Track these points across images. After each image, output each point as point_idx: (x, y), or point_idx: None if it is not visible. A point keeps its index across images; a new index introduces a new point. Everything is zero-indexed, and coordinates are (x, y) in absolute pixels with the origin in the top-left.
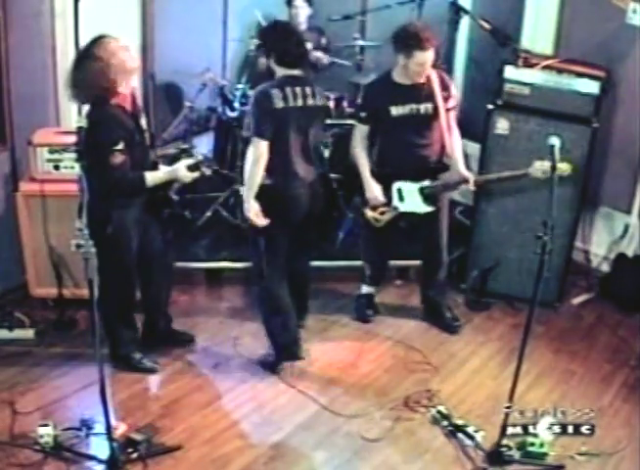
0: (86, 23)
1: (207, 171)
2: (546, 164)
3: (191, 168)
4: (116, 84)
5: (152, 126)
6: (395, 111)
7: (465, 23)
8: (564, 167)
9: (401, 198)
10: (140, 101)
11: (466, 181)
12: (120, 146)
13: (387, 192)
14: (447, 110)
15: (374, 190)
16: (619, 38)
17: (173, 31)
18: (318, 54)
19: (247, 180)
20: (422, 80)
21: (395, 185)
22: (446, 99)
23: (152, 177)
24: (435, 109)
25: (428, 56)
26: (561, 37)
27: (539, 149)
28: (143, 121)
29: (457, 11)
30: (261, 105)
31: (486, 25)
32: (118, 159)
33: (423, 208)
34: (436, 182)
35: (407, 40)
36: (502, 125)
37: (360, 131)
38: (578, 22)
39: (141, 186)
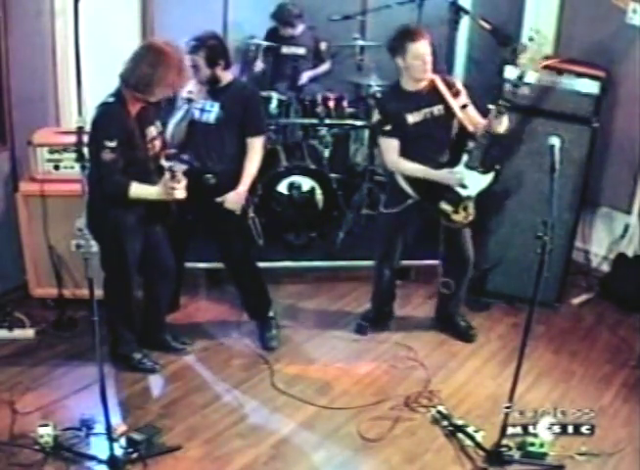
0: (86, 22)
1: (181, 168)
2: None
3: (172, 177)
4: (152, 93)
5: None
6: (412, 118)
7: (465, 23)
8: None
9: (464, 186)
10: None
11: (487, 129)
12: (113, 144)
13: (450, 191)
14: (463, 107)
15: (449, 174)
16: (619, 38)
17: (173, 31)
18: None
19: None
20: (428, 77)
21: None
22: (456, 95)
23: (138, 190)
24: (448, 109)
25: (422, 46)
26: (561, 37)
27: (539, 149)
28: (152, 129)
29: (457, 11)
30: None
31: (486, 25)
32: (108, 156)
33: (485, 179)
34: (474, 149)
35: (398, 38)
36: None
37: (391, 146)
38: (578, 22)
39: (123, 193)
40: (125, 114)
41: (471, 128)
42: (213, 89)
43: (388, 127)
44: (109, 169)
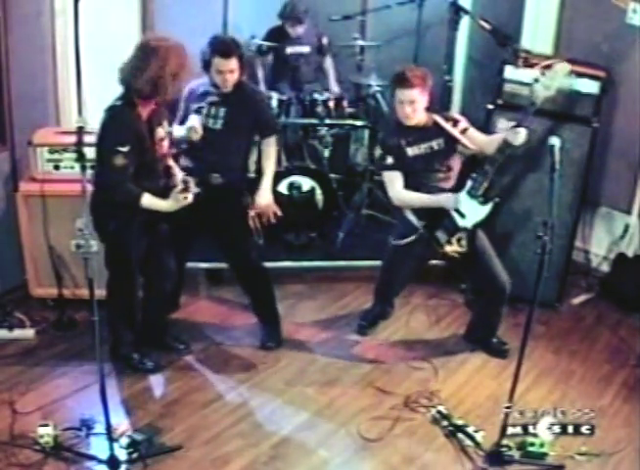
0: (86, 22)
1: (195, 189)
2: (545, 81)
3: (184, 189)
4: (164, 92)
5: None
6: (412, 151)
7: (465, 23)
8: (563, 68)
9: (462, 215)
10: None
11: (507, 140)
12: (125, 149)
13: (449, 220)
14: (464, 131)
15: (447, 198)
16: (619, 38)
17: (173, 31)
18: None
19: None
20: (412, 122)
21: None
22: (455, 124)
23: (149, 202)
24: (448, 141)
25: (408, 94)
26: (561, 37)
27: (539, 149)
28: (161, 130)
29: (457, 11)
30: None
31: (486, 25)
32: (120, 161)
33: (483, 211)
34: (477, 177)
35: (393, 79)
36: (502, 125)
37: (395, 179)
38: (578, 22)
39: (134, 202)
40: (136, 117)
41: (473, 147)
42: (221, 94)
43: (389, 161)
44: (121, 175)
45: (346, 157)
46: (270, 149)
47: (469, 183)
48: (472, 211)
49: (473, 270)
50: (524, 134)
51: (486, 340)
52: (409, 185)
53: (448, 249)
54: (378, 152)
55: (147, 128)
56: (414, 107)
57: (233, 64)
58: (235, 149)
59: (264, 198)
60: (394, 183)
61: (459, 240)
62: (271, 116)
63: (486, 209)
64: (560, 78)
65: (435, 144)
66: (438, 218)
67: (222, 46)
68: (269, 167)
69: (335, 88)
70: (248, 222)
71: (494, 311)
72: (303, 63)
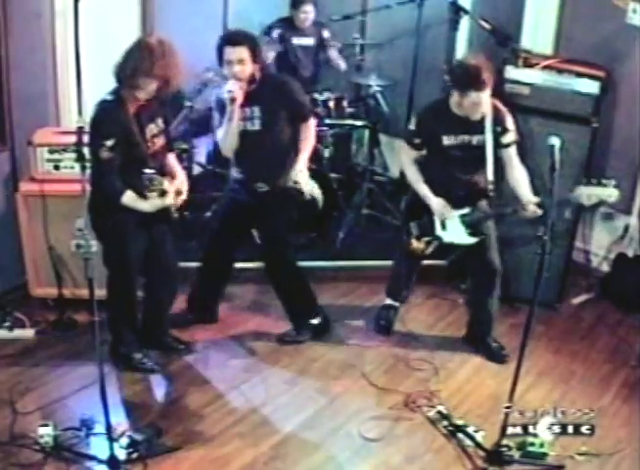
0: (86, 22)
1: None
2: (592, 191)
3: (151, 189)
4: (136, 85)
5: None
6: (447, 140)
7: (465, 23)
8: (612, 194)
9: (444, 227)
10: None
11: (523, 208)
12: (110, 142)
13: (429, 221)
14: (506, 145)
15: (440, 202)
16: (619, 38)
17: (173, 31)
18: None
19: None
20: (477, 117)
21: None
22: (502, 133)
23: (129, 200)
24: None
25: (483, 96)
26: (561, 37)
27: (539, 149)
28: (153, 127)
29: (457, 11)
30: None
31: (486, 25)
32: (105, 154)
33: (465, 238)
34: (477, 210)
35: (464, 78)
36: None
37: (410, 155)
38: (578, 21)
39: (115, 198)
40: (124, 111)
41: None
42: (249, 91)
43: (416, 141)
44: (106, 168)
45: (347, 157)
46: (307, 131)
47: (467, 209)
48: (455, 231)
49: (470, 248)
50: (535, 213)
51: (484, 339)
52: (438, 166)
53: (415, 244)
54: (411, 126)
55: (135, 123)
56: (482, 105)
57: (242, 53)
58: (278, 148)
59: (303, 181)
60: (406, 154)
61: (428, 242)
62: (303, 100)
63: (470, 240)
64: (604, 196)
65: (475, 140)
66: (422, 212)
67: (230, 34)
68: (305, 148)
69: (342, 65)
70: (287, 222)
71: (485, 298)
72: (304, 56)
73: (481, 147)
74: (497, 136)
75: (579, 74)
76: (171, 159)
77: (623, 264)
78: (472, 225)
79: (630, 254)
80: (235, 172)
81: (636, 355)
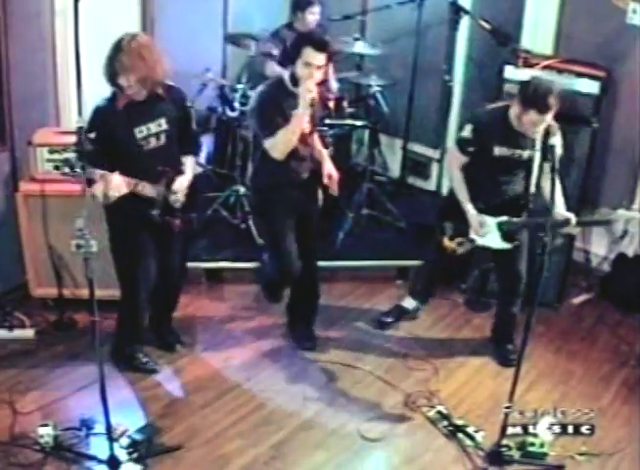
0: (86, 22)
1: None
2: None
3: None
4: (116, 82)
5: None
6: (499, 151)
7: (465, 23)
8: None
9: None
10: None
11: (567, 222)
12: (92, 135)
13: (464, 223)
14: (550, 160)
15: (477, 218)
16: (619, 38)
17: (173, 31)
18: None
19: None
20: (533, 136)
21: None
22: (550, 149)
23: (97, 192)
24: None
25: (544, 119)
26: (561, 37)
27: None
28: (151, 125)
29: (457, 11)
30: None
31: (486, 25)
32: (88, 146)
33: (499, 243)
34: (515, 220)
35: (531, 95)
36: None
37: (459, 160)
38: (578, 21)
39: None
40: (112, 108)
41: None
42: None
43: (469, 149)
44: (88, 159)
45: (347, 157)
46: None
47: (505, 217)
48: (491, 236)
49: (500, 254)
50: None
51: (502, 344)
52: (483, 173)
53: (447, 242)
54: (466, 133)
55: (124, 120)
56: (540, 127)
57: (324, 60)
58: (315, 141)
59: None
60: (455, 160)
61: (460, 243)
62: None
63: (502, 245)
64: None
65: (526, 154)
66: (458, 214)
67: (317, 39)
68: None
69: (334, 85)
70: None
71: (507, 306)
72: None
73: (530, 160)
74: (546, 152)
75: (579, 74)
76: (185, 159)
77: (623, 264)
78: (508, 232)
79: (630, 254)
80: (282, 173)
81: (636, 355)
